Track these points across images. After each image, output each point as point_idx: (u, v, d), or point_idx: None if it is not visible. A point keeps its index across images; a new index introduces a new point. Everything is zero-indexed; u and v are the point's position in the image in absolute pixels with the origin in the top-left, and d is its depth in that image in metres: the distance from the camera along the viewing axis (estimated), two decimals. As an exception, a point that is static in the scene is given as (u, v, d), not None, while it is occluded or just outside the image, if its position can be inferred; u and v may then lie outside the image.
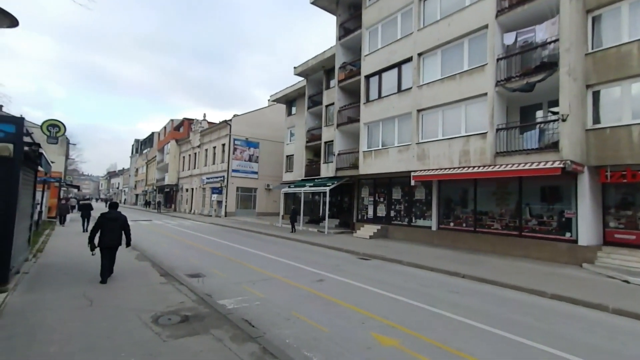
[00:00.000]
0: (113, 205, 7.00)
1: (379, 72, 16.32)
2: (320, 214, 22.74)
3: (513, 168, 10.52)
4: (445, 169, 12.78)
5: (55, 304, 4.69)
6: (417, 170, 13.93)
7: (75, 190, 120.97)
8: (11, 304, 4.56)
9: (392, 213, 16.73)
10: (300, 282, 7.25)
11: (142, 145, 60.89)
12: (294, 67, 23.19)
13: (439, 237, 14.27)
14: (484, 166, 11.56)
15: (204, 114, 35.54)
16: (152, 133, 53.03)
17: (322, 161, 21.22)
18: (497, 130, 11.48)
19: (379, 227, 16.43)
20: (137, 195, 58.63)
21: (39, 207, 12.77)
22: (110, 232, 6.41)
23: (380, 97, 16.15)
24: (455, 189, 14.20)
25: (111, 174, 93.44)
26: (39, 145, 5.38)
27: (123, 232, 6.67)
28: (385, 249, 12.48)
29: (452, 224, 14.07)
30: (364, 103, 16.95)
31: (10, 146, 4.78)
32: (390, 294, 6.57)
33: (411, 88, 14.51)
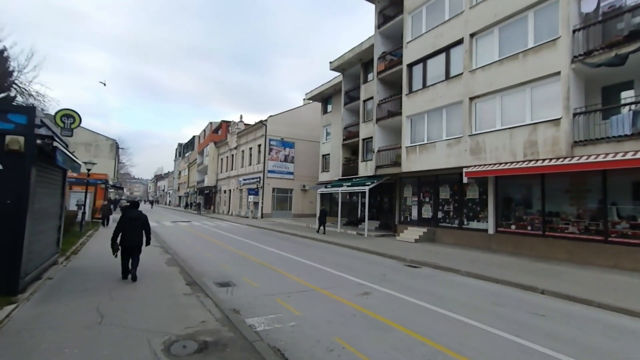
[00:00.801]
0: (134, 205, 6.91)
1: (424, 59, 14.79)
2: (359, 216, 21.52)
3: (600, 159, 8.59)
4: (506, 163, 11.01)
5: (62, 321, 4.11)
6: (470, 166, 12.25)
7: (127, 193, 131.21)
8: (16, 319, 4.05)
9: (440, 214, 15.07)
10: (343, 295, 6.20)
11: (184, 149, 63.73)
12: (330, 62, 22.25)
13: (498, 242, 12.44)
14: (558, 159, 9.68)
15: (241, 116, 35.94)
16: (193, 137, 55.17)
17: (360, 159, 20.02)
18: (575, 115, 9.55)
19: (424, 229, 14.87)
20: (180, 197, 61.45)
21: (82, 208, 13.01)
22: (130, 232, 6.39)
23: (425, 86, 14.62)
24: (517, 186, 12.29)
25: (158, 177, 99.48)
26: (52, 138, 4.87)
27: (144, 231, 6.62)
28: (436, 255, 11.01)
29: (513, 226, 12.18)
30: (407, 94, 15.50)
31: (22, 139, 4.32)
32: (455, 315, 5.27)
33: (462, 74, 12.85)
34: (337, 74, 23.78)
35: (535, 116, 10.51)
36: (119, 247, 6.33)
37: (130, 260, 6.43)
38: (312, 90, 27.02)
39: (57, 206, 6.60)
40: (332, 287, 6.80)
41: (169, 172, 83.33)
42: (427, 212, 15.77)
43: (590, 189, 10.30)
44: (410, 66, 15.48)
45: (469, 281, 7.90)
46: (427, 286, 7.24)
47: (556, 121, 9.83)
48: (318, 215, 18.05)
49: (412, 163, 15.00)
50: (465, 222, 13.94)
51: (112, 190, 28.87)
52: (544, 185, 11.28)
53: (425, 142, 14.39)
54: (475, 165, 12.08)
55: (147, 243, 6.83)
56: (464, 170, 12.22)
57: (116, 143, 34.42)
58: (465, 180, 12.26)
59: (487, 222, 13.02)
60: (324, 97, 26.92)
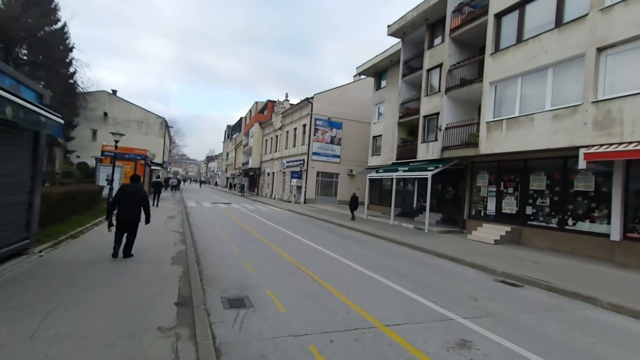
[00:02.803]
0: (134, 179, 6.55)
1: (521, 4, 11.09)
2: (414, 206, 18.50)
3: None
4: (664, 141, 7.34)
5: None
6: (592, 146, 8.68)
7: (183, 172, 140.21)
8: None
9: (529, 210, 11.60)
10: (425, 345, 3.67)
11: (232, 131, 64.52)
12: (388, 26, 18.96)
13: (626, 252, 8.85)
14: None
15: (286, 94, 34.05)
16: (240, 118, 55.14)
17: (419, 140, 16.82)
18: None
19: (507, 228, 11.55)
20: (227, 179, 62.72)
21: (111, 183, 11.95)
22: (126, 206, 6.03)
23: (520, 40, 10.97)
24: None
25: (209, 159, 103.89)
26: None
27: (142, 208, 6.21)
28: (536, 267, 7.90)
29: (654, 234, 8.48)
30: (492, 54, 11.94)
31: None
32: None
33: (586, 15, 9.07)
34: (395, 42, 20.42)
35: None
36: (114, 223, 6.10)
37: (125, 239, 6.12)
38: (364, 63, 23.95)
39: (24, 175, 4.97)
40: (402, 321, 4.30)
41: (219, 154, 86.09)
42: (509, 207, 12.34)
43: None
44: (499, 16, 11.82)
45: (624, 324, 4.86)
46: (562, 331, 4.40)
47: None
48: (350, 200, 16.99)
49: (494, 143, 11.60)
50: (571, 222, 10.38)
51: (157, 167, 28.93)
52: None
53: (518, 114, 10.88)
54: (602, 145, 8.49)
55: (147, 221, 6.49)
56: (582, 151, 8.68)
57: (165, 121, 34.88)
58: (582, 165, 8.72)
59: (608, 223, 9.41)
60: (378, 71, 23.71)
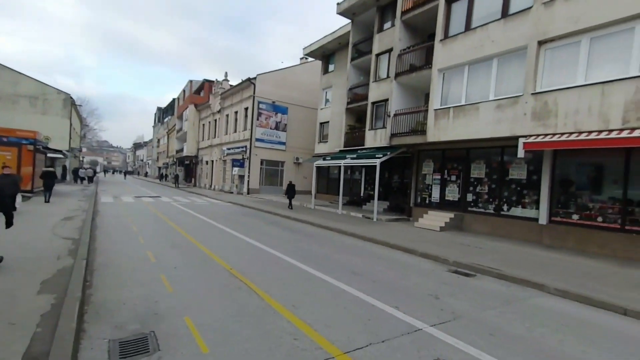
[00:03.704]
0: None
1: (469, -8, 11.14)
2: (362, 195, 18.45)
3: None
4: (593, 132, 7.86)
5: None
6: (530, 135, 9.09)
7: (105, 162, 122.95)
8: None
9: (470, 197, 12.09)
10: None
11: (163, 114, 58.37)
12: (337, 4, 18.09)
13: (552, 235, 9.61)
14: (686, 126, 6.58)
15: (225, 73, 31.35)
16: (173, 99, 49.95)
17: (367, 128, 16.61)
18: None
19: (451, 215, 11.91)
20: (159, 168, 56.87)
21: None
22: None
23: (469, 28, 11.06)
24: (582, 164, 9.34)
25: (136, 146, 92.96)
26: None
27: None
28: (482, 253, 8.06)
29: (575, 216, 9.32)
30: (441, 40, 11.92)
31: None
32: None
33: (530, 8, 9.33)
34: (344, 23, 19.73)
35: (648, 64, 7.27)
36: None
37: None
38: (311, 44, 22.88)
39: None
40: (364, 342, 3.62)
41: (149, 140, 77.39)
42: (452, 194, 12.76)
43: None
44: (449, 1, 11.80)
45: (576, 311, 4.91)
46: (529, 329, 4.21)
47: (689, 70, 6.63)
48: (286, 189, 16.77)
49: (441, 131, 11.73)
50: (506, 208, 11.01)
51: (58, 155, 23.88)
52: (628, 165, 8.30)
53: (464, 103, 11.06)
54: (539, 135, 8.91)
55: (7, 223, 5.17)
56: (522, 141, 9.05)
57: (71, 99, 29.17)
58: (521, 154, 9.13)
59: (537, 209, 10.13)
60: (326, 54, 22.89)
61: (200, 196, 23.70)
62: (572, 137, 8.01)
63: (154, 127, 67.71)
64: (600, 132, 7.67)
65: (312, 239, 9.51)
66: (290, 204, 16.77)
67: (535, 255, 8.25)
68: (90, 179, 30.97)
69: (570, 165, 9.62)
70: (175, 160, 44.75)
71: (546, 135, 8.71)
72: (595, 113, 7.85)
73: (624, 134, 7.14)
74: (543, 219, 9.87)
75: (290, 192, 16.77)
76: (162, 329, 3.71)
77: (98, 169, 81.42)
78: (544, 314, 4.71)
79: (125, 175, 56.86)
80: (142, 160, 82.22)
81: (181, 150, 40.54)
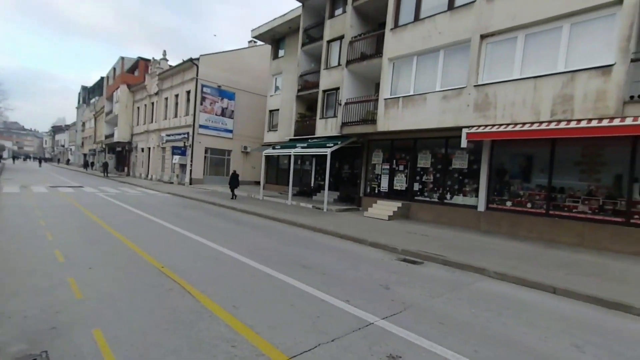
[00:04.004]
0: None
1: (418, -18, 11.20)
2: (312, 185, 18.15)
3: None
4: (526, 124, 8.41)
5: None
6: (473, 126, 9.48)
7: (15, 147, 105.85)
8: None
9: (417, 186, 12.45)
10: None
11: (89, 94, 51.59)
12: (285, -15, 17.16)
13: (489, 221, 10.27)
14: (602, 119, 7.28)
15: (164, 51, 28.43)
16: (102, 78, 44.29)
17: (318, 116, 16.23)
18: (634, 61, 7.11)
19: (399, 204, 12.15)
20: (85, 155, 50.28)
21: None
22: None
23: (417, 18, 11.15)
24: (515, 154, 10.08)
25: (56, 129, 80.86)
26: None
27: None
28: (427, 240, 8.24)
29: (508, 203, 10.05)
30: (392, 29, 11.89)
31: None
32: None
33: (474, 2, 9.63)
34: (294, 6, 18.92)
35: (573, 62, 7.91)
36: None
37: None
38: (260, 26, 21.63)
39: None
40: (313, 343, 3.24)
41: (72, 123, 67.82)
42: (400, 183, 13.04)
43: (607, 161, 8.38)
44: (399, -10, 11.77)
45: (514, 293, 5.09)
46: (475, 315, 4.20)
47: (606, 69, 7.32)
48: (229, 179, 16.19)
49: (391, 120, 11.80)
50: (449, 197, 11.53)
51: None
52: (553, 155, 9.11)
53: (413, 93, 11.20)
54: (480, 126, 9.33)
55: None
56: (465, 131, 9.41)
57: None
58: (464, 144, 9.49)
59: (476, 196, 10.73)
60: (276, 38, 21.85)
61: (134, 186, 21.37)
62: (509, 127, 8.49)
63: (77, 108, 59.53)
64: (532, 123, 8.23)
65: (259, 231, 8.89)
66: (233, 194, 16.04)
67: (475, 240, 8.67)
68: None
69: (505, 155, 10.31)
70: (104, 146, 39.91)
71: (487, 126, 9.14)
72: (529, 105, 8.40)
73: (552, 126, 7.71)
74: (481, 206, 10.49)
75: (234, 182, 16.13)
76: (59, 346, 2.92)
77: (5, 154, 70.17)
78: (486, 298, 4.78)
79: (40, 162, 49.05)
80: (63, 146, 71.92)
81: (111, 135, 36.21)
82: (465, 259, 6.51)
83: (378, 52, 12.79)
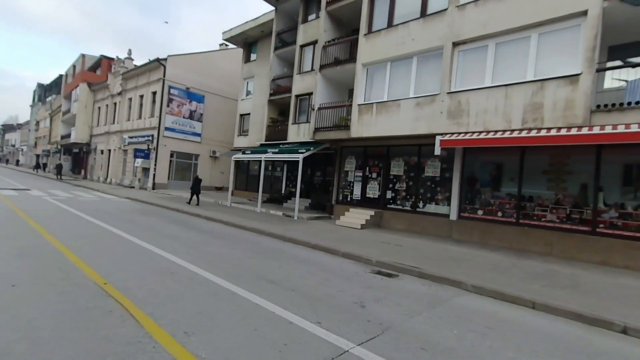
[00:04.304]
0: None
1: (392, -12, 11.15)
2: (283, 192, 17.51)
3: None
4: (499, 131, 8.40)
5: None
6: (446, 134, 9.40)
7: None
8: None
9: (389, 194, 12.23)
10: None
11: (46, 92, 47.82)
12: (260, -14, 16.72)
13: (461, 230, 10.18)
14: (571, 128, 7.37)
15: (129, 50, 26.83)
16: (60, 76, 41.17)
17: (291, 121, 15.73)
18: (599, 70, 7.29)
19: (371, 212, 11.84)
20: (37, 156, 46.29)
21: None
22: None
23: (391, 24, 11.06)
24: (486, 162, 10.13)
25: (6, 128, 74.32)
26: None
27: None
28: (401, 251, 7.90)
29: (480, 211, 10.02)
30: (365, 34, 11.73)
31: None
32: None
33: (446, 10, 9.65)
34: (267, 10, 18.45)
35: (542, 71, 8.02)
36: None
37: None
38: (232, 29, 20.95)
39: None
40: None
41: (25, 122, 62.62)
42: (373, 191, 12.76)
43: (574, 170, 8.56)
44: (373, -4, 11.67)
45: (500, 311, 4.78)
46: (458, 337, 3.79)
47: (573, 78, 7.45)
48: (192, 183, 15.35)
49: (364, 126, 11.54)
50: (421, 205, 11.37)
51: None
52: (522, 163, 9.20)
53: (386, 99, 11.03)
54: (453, 133, 9.26)
55: None
56: (439, 138, 9.29)
57: None
58: (438, 151, 9.34)
59: (448, 205, 10.64)
60: (248, 41, 21.24)
61: (90, 190, 19.63)
62: (482, 135, 8.45)
63: (32, 106, 54.98)
64: (504, 131, 8.23)
65: (224, 241, 8.14)
66: (191, 199, 15.15)
67: (448, 250, 8.45)
68: None
69: (476, 163, 10.33)
70: (59, 147, 36.83)
71: (459, 133, 9.08)
72: (500, 113, 8.41)
73: (524, 134, 7.73)
74: (453, 215, 10.39)
75: (196, 186, 15.12)
76: None
77: None
78: (467, 316, 4.40)
79: None
80: (13, 146, 66.27)
81: (68, 136, 33.47)
82: (441, 271, 6.19)
83: (352, 57, 12.59)
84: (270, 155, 14.66)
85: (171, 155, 23.02)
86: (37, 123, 49.44)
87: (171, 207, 13.82)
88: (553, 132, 7.23)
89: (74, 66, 34.63)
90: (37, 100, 52.48)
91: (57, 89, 42.71)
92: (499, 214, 9.64)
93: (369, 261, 6.92)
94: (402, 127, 10.43)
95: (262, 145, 17.11)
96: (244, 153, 16.64)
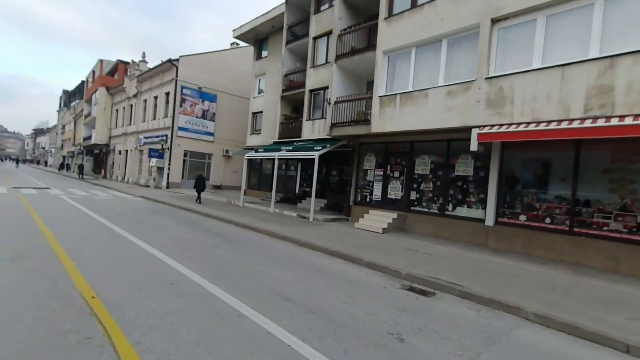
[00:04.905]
0: None
1: (417, -36, 9.93)
2: (297, 192, 16.53)
3: None
4: (552, 122, 7.03)
5: None
6: (484, 126, 8.09)
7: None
8: None
9: (414, 195, 10.98)
10: None
11: (70, 97, 49.25)
12: (271, -25, 15.82)
13: (498, 237, 8.82)
14: (648, 115, 5.94)
15: (143, 53, 26.72)
16: (82, 82, 42.15)
17: (305, 118, 14.74)
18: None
19: (394, 215, 10.64)
20: (64, 158, 47.81)
21: None
22: None
23: (415, 5, 9.84)
24: (529, 160, 8.72)
25: (37, 132, 78.25)
26: None
27: None
28: (434, 261, 6.68)
29: (522, 217, 8.61)
30: (386, 18, 10.56)
31: None
32: None
33: (482, -19, 8.34)
34: (277, 3, 17.57)
35: (610, 46, 6.60)
36: None
37: None
38: (242, 26, 20.21)
39: None
40: None
41: (53, 126, 65.37)
42: (395, 192, 11.55)
43: (641, 168, 7.04)
44: (395, -26, 10.48)
45: (581, 354, 3.54)
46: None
47: (653, 53, 6.00)
48: (195, 181, 15.20)
49: (387, 120, 10.36)
50: (450, 208, 10.07)
51: None
52: (578, 160, 7.75)
53: (411, 89, 9.81)
54: (493, 125, 7.93)
55: None
56: (475, 132, 7.99)
57: None
58: (474, 146, 8.04)
59: (483, 209, 9.30)
60: (259, 38, 20.46)
61: (106, 189, 19.51)
62: (531, 127, 7.10)
63: (59, 111, 57.03)
64: (560, 121, 6.85)
65: (234, 245, 7.23)
66: (198, 197, 14.93)
67: (487, 262, 7.16)
68: None
69: (517, 160, 8.92)
70: (82, 148, 37.63)
71: (501, 125, 7.75)
72: (555, 100, 7.03)
73: (587, 124, 6.34)
74: (490, 220, 9.04)
75: (200, 185, 14.92)
76: None
77: None
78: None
79: (17, 163, 47.86)
80: (43, 148, 69.85)
81: (89, 137, 34.06)
82: (488, 291, 4.97)
83: (371, 45, 11.44)
84: (283, 154, 13.71)
85: (184, 155, 22.60)
86: (63, 127, 51.12)
87: (183, 206, 13.16)
88: (629, 121, 5.81)
89: (93, 71, 35.21)
90: (62, 106, 54.28)
91: (80, 94, 43.80)
92: (547, 220, 8.21)
93: (398, 273, 5.78)
94: (430, 119, 9.18)
95: (275, 143, 16.21)
96: (256, 151, 15.79)
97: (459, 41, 8.94)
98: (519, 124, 7.44)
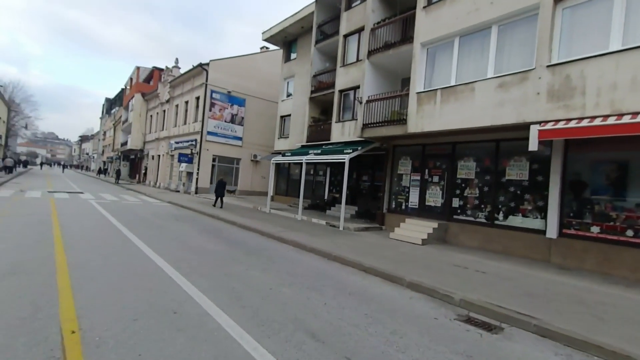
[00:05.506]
0: None
1: (461, -55, 8.92)
2: (325, 198, 15.78)
3: None
4: (638, 114, 5.76)
5: None
6: (547, 121, 6.91)
7: (48, 155, 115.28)
8: None
9: (456, 202, 9.84)
10: None
11: (111, 105, 52.17)
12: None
13: (565, 253, 7.51)
14: None
15: (176, 59, 27.42)
16: (122, 89, 44.43)
17: (334, 120, 14.02)
18: None
19: (434, 224, 9.56)
20: (104, 163, 50.62)
21: None
22: None
23: (460, -11, 8.83)
24: (601, 161, 7.39)
25: (83, 139, 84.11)
26: None
27: None
28: (488, 281, 5.61)
29: (594, 228, 7.26)
30: (424, 7, 9.62)
31: None
32: None
33: (542, -45, 7.21)
34: (307, 3, 17.09)
35: None
36: None
37: None
38: (271, 28, 19.97)
39: None
40: None
41: (96, 133, 69.83)
42: (434, 198, 10.46)
43: None
44: (435, -42, 9.53)
45: None
46: None
47: None
48: (215, 186, 15.18)
49: (425, 119, 9.36)
50: (501, 217, 8.84)
51: None
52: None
53: (454, 83, 8.77)
54: (558, 120, 6.73)
55: None
56: (535, 128, 6.82)
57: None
58: (534, 146, 6.85)
59: (542, 218, 8.02)
60: (288, 40, 20.12)
61: (137, 194, 19.87)
62: (610, 120, 5.86)
63: (101, 118, 60.77)
64: (650, 112, 5.58)
65: (256, 258, 6.57)
66: (216, 202, 14.87)
67: (557, 283, 5.96)
68: (10, 170, 29.30)
69: (585, 161, 7.62)
70: (119, 154, 39.45)
71: (569, 120, 6.54)
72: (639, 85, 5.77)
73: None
74: (552, 232, 7.74)
75: (220, 189, 14.71)
76: None
77: (37, 161, 75.22)
78: None
79: (63, 168, 51.88)
80: (87, 154, 74.99)
81: (125, 143, 35.58)
82: (575, 328, 3.89)
83: (406, 38, 10.52)
84: (312, 157, 13.04)
85: (213, 160, 22.64)
86: (104, 133, 54.23)
87: (207, 212, 12.86)
88: None
89: (130, 78, 36.89)
90: (104, 113, 57.71)
91: (119, 102, 46.21)
92: (629, 232, 6.83)
93: (449, 297, 4.82)
94: (478, 116, 8.09)
95: (303, 146, 15.62)
96: (283, 155, 15.28)
97: (512, 26, 7.82)
98: (594, 117, 6.21)
